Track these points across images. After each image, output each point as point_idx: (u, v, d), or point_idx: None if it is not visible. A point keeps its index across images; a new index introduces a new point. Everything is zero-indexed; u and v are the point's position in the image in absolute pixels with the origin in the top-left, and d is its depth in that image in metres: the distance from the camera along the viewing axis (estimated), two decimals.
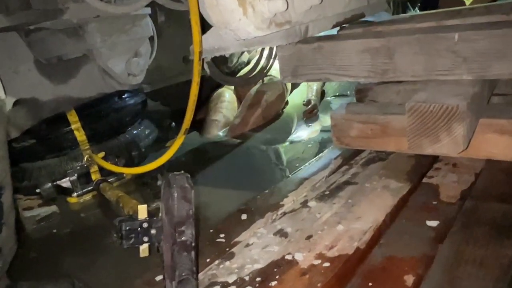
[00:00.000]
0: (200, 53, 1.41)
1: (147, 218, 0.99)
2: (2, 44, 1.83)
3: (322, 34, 1.51)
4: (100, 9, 1.66)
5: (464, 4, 2.76)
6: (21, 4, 1.50)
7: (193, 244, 0.85)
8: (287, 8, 1.10)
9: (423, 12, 1.89)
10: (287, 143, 2.23)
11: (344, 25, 1.73)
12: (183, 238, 0.84)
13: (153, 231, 0.97)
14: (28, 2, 1.52)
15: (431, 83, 1.34)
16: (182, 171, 0.91)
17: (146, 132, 2.15)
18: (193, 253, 0.85)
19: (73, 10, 1.64)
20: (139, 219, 0.99)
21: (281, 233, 1.16)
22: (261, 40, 1.29)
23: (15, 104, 1.85)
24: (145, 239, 0.98)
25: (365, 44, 1.34)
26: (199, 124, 2.54)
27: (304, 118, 2.53)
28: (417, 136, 1.23)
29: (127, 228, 0.97)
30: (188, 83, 2.60)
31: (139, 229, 0.98)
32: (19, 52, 1.92)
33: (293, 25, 1.24)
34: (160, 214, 0.96)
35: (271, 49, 2.21)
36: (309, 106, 2.56)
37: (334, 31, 1.64)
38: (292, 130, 2.44)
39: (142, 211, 1.00)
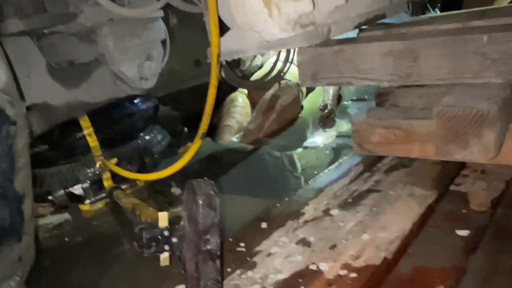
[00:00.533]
0: (218, 55, 1.42)
1: (168, 226, 1.00)
2: (14, 48, 1.85)
3: (342, 36, 1.52)
4: (115, 12, 1.67)
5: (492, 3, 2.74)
6: (36, 8, 1.52)
7: (218, 253, 0.85)
8: (313, 9, 1.10)
9: (445, 13, 1.88)
10: (303, 149, 2.23)
11: (364, 26, 1.73)
12: (208, 247, 0.84)
13: (174, 240, 0.98)
14: (43, 6, 1.54)
15: (458, 86, 1.33)
16: (205, 178, 0.91)
17: (158, 138, 2.15)
18: (218, 262, 0.85)
19: (87, 14, 1.67)
20: (159, 227, 0.99)
21: (304, 242, 1.16)
22: (282, 42, 1.29)
23: (27, 109, 1.87)
24: (166, 247, 0.98)
25: (389, 46, 1.34)
26: (211, 130, 2.54)
27: (321, 124, 2.52)
28: (445, 142, 1.23)
29: (148, 236, 0.97)
30: (200, 87, 2.62)
31: (160, 237, 0.98)
32: (31, 56, 1.94)
33: (317, 27, 1.24)
34: (181, 222, 0.96)
35: (288, 52, 2.21)
36: (326, 111, 2.55)
37: (355, 33, 1.64)
38: (308, 136, 2.44)
39: (163, 218, 1.01)
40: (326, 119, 2.54)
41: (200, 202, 0.86)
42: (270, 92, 2.63)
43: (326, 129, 2.47)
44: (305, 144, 2.32)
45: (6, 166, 0.89)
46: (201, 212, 0.86)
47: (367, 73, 1.39)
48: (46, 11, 1.54)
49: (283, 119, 2.57)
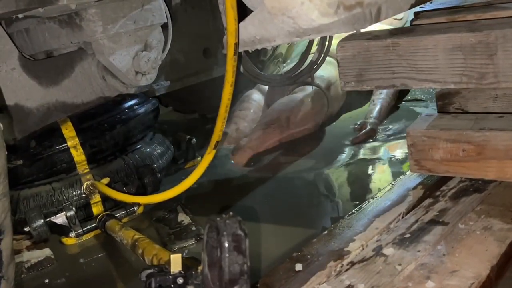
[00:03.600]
0: (236, 45, 1.45)
1: (182, 272, 1.03)
2: None
3: (390, 26, 1.54)
4: None
5: None
6: None
7: None
8: None
9: None
10: (341, 166, 2.23)
11: (422, 5, 1.75)
12: None
13: None
14: None
15: None
16: (231, 213, 0.94)
17: (160, 151, 2.19)
18: None
19: None
20: (172, 273, 1.02)
21: None
22: (321, 28, 1.31)
23: None
24: None
25: (456, 39, 1.35)
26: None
27: (352, 141, 2.45)
28: None
29: (158, 284, 1.00)
30: (210, 82, 2.65)
31: (172, 286, 1.01)
32: (0, 46, 2.00)
33: (364, 8, 1.27)
34: (200, 267, 0.99)
35: (323, 39, 2.24)
36: (363, 132, 2.47)
37: (410, 15, 1.67)
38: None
39: (176, 262, 1.04)
40: (359, 138, 2.46)
41: (226, 245, 0.88)
42: (283, 100, 2.64)
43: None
44: (341, 158, 2.32)
45: None
46: (227, 257, 0.88)
47: (428, 73, 1.41)
48: None
49: (296, 132, 2.57)
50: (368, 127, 2.48)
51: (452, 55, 1.36)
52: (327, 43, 2.26)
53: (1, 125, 1.10)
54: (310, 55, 2.46)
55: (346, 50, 1.50)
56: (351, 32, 1.43)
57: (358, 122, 2.55)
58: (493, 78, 1.33)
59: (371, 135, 2.46)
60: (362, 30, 1.43)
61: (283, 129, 2.51)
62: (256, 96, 2.79)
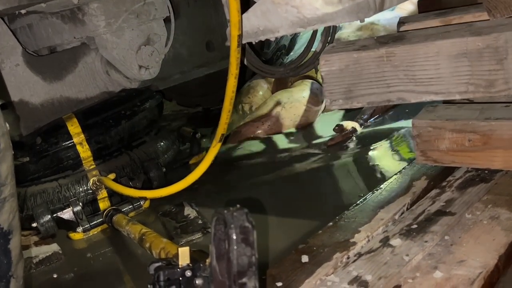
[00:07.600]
0: (239, 37, 1.45)
1: (190, 265, 1.04)
2: None
3: (384, 33, 1.53)
4: None
5: None
6: None
7: None
8: None
9: None
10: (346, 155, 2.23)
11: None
12: None
13: (198, 281, 1.02)
14: None
15: None
16: (238, 205, 0.95)
17: (165, 146, 2.20)
18: None
19: None
20: (180, 266, 1.03)
21: (359, 282, 1.18)
22: (324, 18, 1.31)
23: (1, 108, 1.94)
24: None
25: (461, 45, 1.31)
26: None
27: (326, 146, 2.35)
28: None
29: (167, 278, 1.01)
30: (213, 76, 2.65)
31: (181, 278, 1.02)
32: (3, 43, 2.01)
33: None
34: (208, 260, 1.00)
35: (326, 29, 2.23)
36: (342, 134, 2.35)
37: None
38: None
39: (184, 255, 1.04)
40: (334, 142, 2.34)
41: (234, 237, 0.89)
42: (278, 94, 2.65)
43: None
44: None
45: None
46: (235, 249, 0.89)
47: (429, 84, 1.36)
48: None
49: (284, 127, 2.61)
50: (349, 129, 2.36)
51: (457, 63, 1.32)
52: (331, 31, 2.25)
53: (8, 126, 1.11)
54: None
55: (332, 64, 1.43)
56: (355, 21, 1.41)
57: (340, 123, 2.40)
58: (504, 84, 1.29)
59: (349, 137, 2.35)
60: (363, 22, 1.41)
61: (272, 123, 2.56)
62: (264, 83, 2.82)
